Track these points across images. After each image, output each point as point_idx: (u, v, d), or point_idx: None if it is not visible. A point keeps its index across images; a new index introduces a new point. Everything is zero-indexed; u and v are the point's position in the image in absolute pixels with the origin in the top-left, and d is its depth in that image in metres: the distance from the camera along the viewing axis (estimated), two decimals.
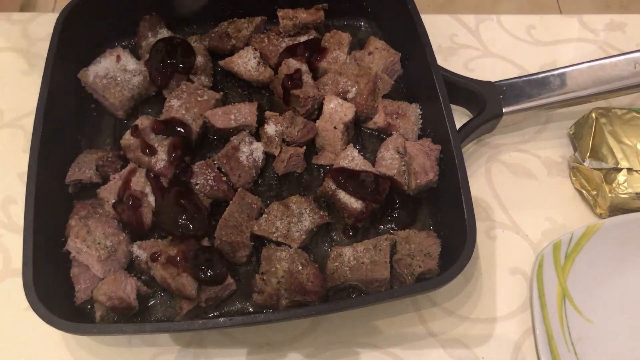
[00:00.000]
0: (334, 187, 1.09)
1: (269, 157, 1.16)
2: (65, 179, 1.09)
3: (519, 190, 1.21)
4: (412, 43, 1.20)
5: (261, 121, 1.17)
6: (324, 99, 1.18)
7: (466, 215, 0.99)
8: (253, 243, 1.06)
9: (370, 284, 1.02)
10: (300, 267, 1.00)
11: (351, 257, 1.02)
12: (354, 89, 1.18)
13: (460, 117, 1.24)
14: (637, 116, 1.19)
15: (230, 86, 1.27)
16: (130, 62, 1.20)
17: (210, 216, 1.07)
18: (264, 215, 1.06)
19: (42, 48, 1.18)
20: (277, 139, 1.13)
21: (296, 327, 1.05)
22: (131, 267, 1.05)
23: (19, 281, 0.91)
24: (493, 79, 1.21)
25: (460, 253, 0.95)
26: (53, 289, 0.97)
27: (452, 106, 1.13)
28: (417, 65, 1.21)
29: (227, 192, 1.09)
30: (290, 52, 1.23)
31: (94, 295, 0.97)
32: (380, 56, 1.24)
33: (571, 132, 1.25)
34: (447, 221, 1.09)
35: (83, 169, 1.09)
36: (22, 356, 1.01)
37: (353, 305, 0.98)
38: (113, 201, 1.06)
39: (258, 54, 1.23)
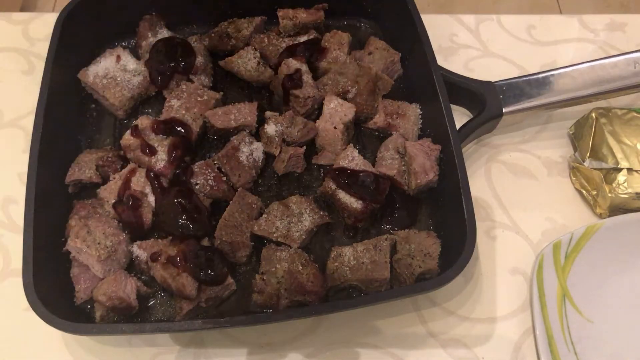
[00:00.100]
0: (334, 187, 1.09)
1: (269, 157, 1.16)
2: (65, 179, 1.09)
3: (519, 190, 1.21)
4: (412, 43, 1.20)
5: (261, 121, 1.17)
6: (324, 99, 1.18)
7: (466, 215, 0.99)
8: (253, 243, 1.06)
9: (370, 284, 1.02)
10: (300, 267, 1.00)
11: (351, 257, 1.02)
12: (354, 89, 1.18)
13: (460, 117, 1.24)
14: (637, 116, 1.19)
15: (230, 86, 1.27)
16: (130, 62, 1.20)
17: (210, 216, 1.07)
18: (264, 215, 1.06)
19: (42, 48, 1.18)
20: (277, 139, 1.13)
21: (296, 327, 1.04)
22: (131, 267, 1.05)
23: (19, 281, 0.91)
24: (493, 79, 1.21)
25: (460, 253, 0.95)
26: (53, 289, 0.97)
27: (452, 106, 1.13)
28: (417, 65, 1.21)
29: (227, 192, 1.09)
30: (290, 52, 1.23)
31: (94, 295, 0.97)
32: (380, 56, 1.24)
33: (571, 132, 1.25)
34: (447, 221, 1.09)
35: (83, 169, 1.09)
36: (22, 356, 1.01)
37: (353, 305, 0.98)
38: (113, 201, 1.06)
39: (258, 54, 1.23)
